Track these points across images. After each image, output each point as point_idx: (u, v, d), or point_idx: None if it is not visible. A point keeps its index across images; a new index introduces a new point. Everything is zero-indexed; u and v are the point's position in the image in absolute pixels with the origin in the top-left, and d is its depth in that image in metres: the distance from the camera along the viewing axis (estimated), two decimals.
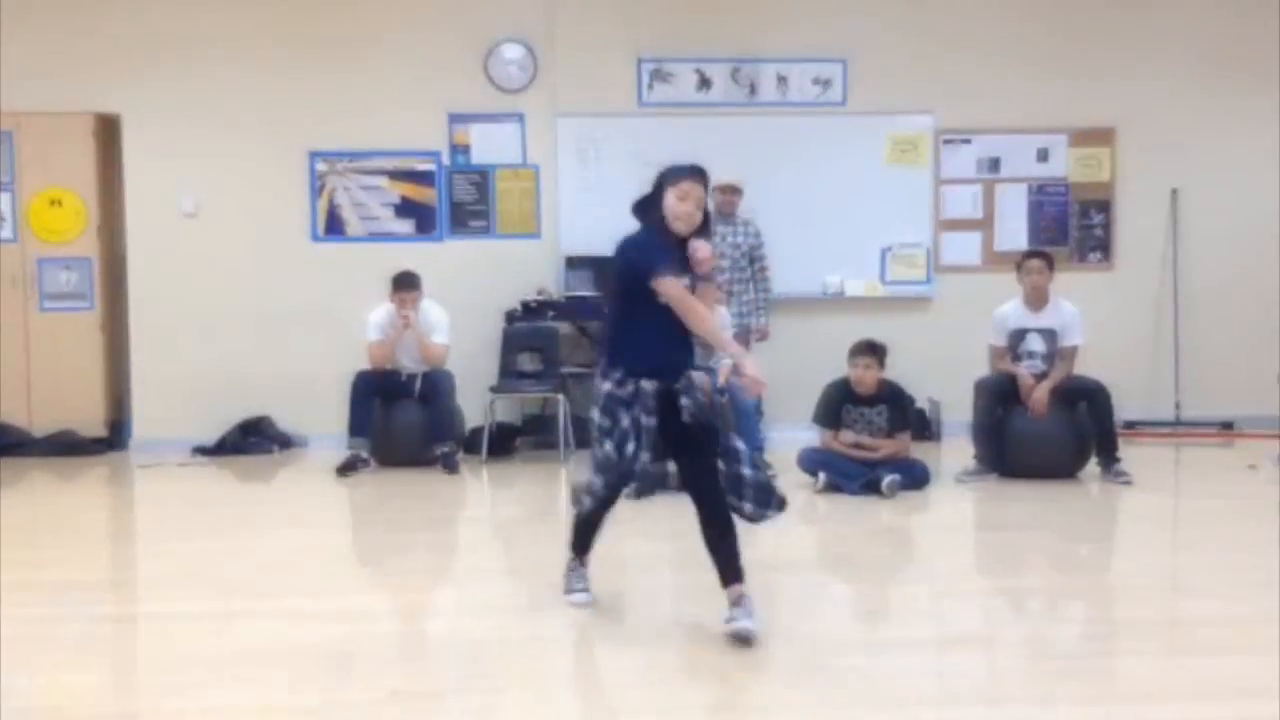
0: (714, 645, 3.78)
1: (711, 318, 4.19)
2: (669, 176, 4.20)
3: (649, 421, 4.11)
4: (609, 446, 4.15)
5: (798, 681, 3.69)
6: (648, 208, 4.23)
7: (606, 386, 4.19)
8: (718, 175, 8.19)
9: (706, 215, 4.24)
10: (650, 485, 6.58)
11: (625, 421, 4.13)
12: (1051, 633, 4.43)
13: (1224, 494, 7.15)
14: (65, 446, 8.91)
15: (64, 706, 3.49)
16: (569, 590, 4.51)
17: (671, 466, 4.22)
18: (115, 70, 9.11)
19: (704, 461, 4.11)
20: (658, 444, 4.17)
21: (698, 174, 4.20)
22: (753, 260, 8.67)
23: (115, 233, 9.29)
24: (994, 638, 4.36)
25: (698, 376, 4.12)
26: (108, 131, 9.22)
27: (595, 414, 4.22)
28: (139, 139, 9.17)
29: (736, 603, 4.04)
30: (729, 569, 4.09)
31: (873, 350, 7.09)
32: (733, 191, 8.50)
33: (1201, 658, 3.96)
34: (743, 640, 3.95)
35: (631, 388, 4.13)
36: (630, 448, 4.12)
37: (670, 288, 4.08)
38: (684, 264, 4.16)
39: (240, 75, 9.17)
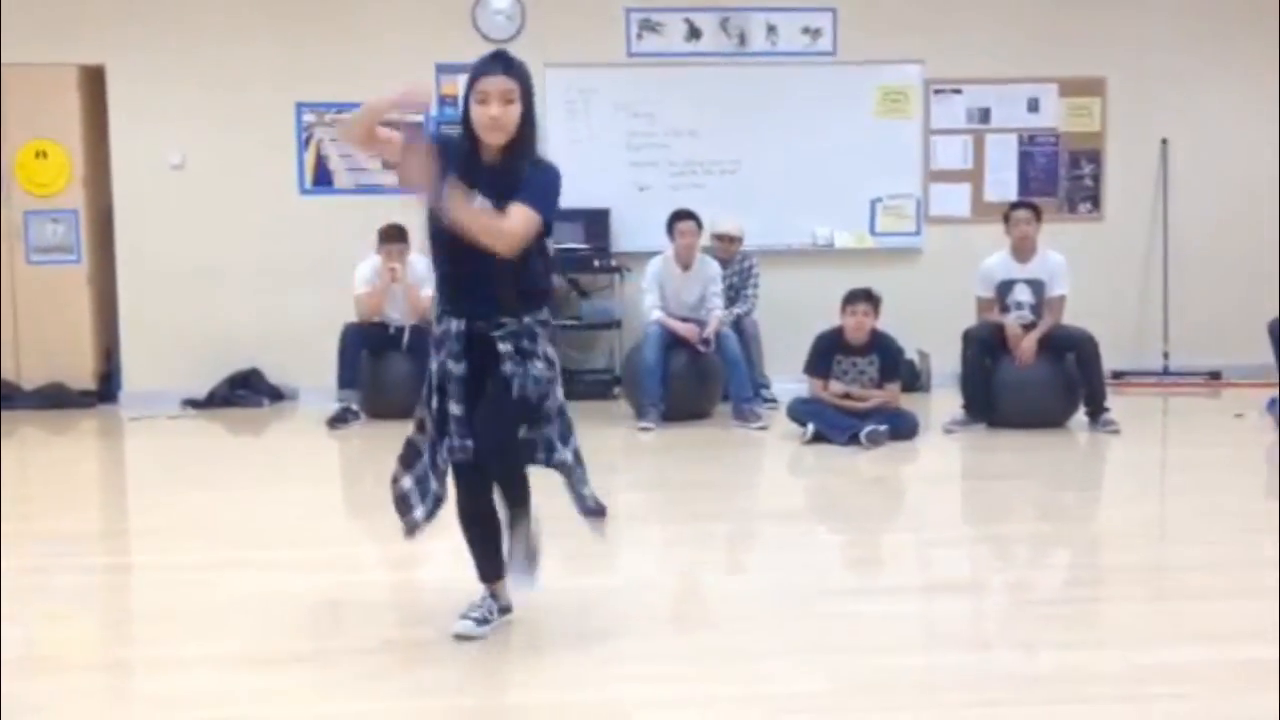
0: (702, 592, 3.80)
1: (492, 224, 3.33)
2: (470, 79, 3.38)
3: (457, 368, 3.47)
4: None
5: (785, 628, 3.72)
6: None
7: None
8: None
9: (530, 122, 3.38)
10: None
11: (432, 365, 3.53)
12: (1037, 579, 4.47)
13: (1211, 443, 7.18)
14: (54, 400, 8.86)
15: (57, 656, 3.51)
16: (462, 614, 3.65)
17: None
18: (100, 21, 8.99)
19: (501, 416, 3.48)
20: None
21: (496, 64, 3.34)
22: (743, 285, 8.48)
23: (102, 185, 9.21)
24: (980, 584, 4.40)
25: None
26: (93, 83, 9.14)
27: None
28: (124, 90, 9.07)
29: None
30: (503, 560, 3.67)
31: (869, 298, 7.09)
32: (730, 240, 8.37)
33: (1186, 602, 4.00)
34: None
35: (441, 330, 3.51)
36: (434, 402, 3.49)
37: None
38: (492, 185, 3.37)
39: (226, 25, 9.06)
